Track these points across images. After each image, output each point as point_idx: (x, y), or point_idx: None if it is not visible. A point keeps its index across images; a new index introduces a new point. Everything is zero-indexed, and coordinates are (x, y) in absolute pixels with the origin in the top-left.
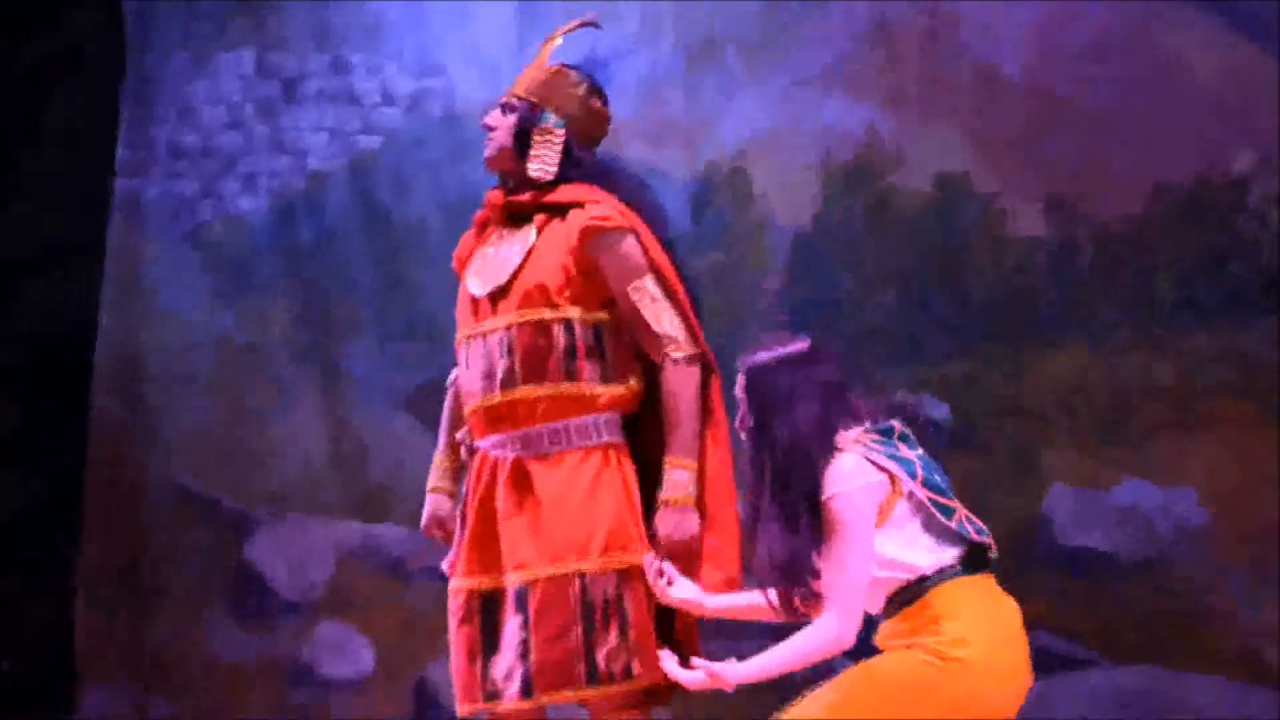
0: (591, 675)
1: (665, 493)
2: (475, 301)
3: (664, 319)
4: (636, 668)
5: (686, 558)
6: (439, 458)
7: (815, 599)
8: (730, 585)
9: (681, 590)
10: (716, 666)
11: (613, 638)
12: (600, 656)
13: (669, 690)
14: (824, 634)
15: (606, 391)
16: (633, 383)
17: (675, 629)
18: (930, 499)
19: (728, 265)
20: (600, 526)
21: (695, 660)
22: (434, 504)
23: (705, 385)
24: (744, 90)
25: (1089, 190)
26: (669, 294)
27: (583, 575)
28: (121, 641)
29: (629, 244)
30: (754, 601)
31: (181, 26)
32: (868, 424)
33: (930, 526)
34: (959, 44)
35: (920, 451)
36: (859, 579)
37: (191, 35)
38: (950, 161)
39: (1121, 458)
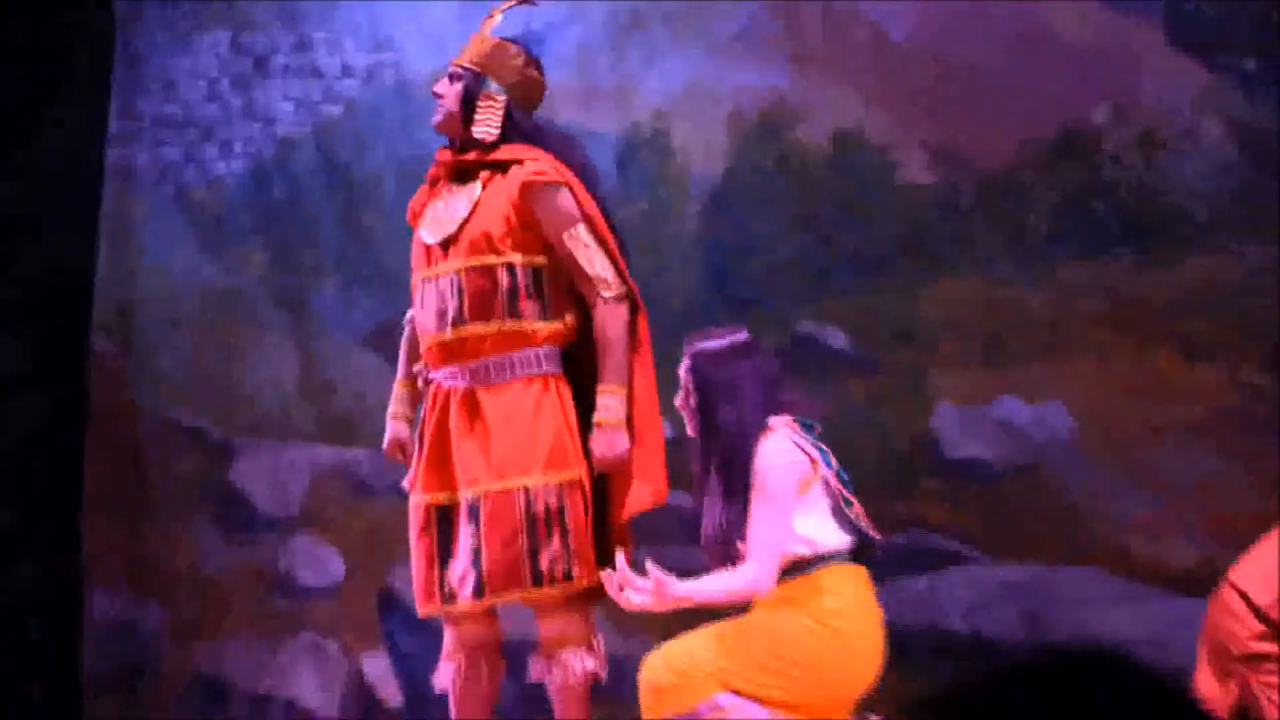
0: (536, 578)
1: (598, 415)
2: (428, 249)
3: (596, 263)
4: (576, 570)
5: (619, 473)
6: (398, 388)
7: (742, 560)
8: (657, 497)
9: (640, 597)
10: (662, 575)
11: (555, 544)
12: (544, 561)
13: (603, 592)
14: (745, 579)
15: (545, 327)
16: (569, 319)
17: (610, 538)
18: (839, 490)
19: (651, 213)
20: (542, 446)
21: (649, 565)
22: (394, 429)
23: (633, 320)
24: (664, 57)
25: (969, 141)
26: (600, 240)
27: (527, 489)
28: (121, 553)
29: (564, 196)
30: (702, 585)
31: (164, 11)
32: (792, 415)
33: (835, 513)
34: (854, 11)
35: (823, 446)
36: (778, 539)
37: (173, 19)
38: (847, 117)
39: (1000, 377)
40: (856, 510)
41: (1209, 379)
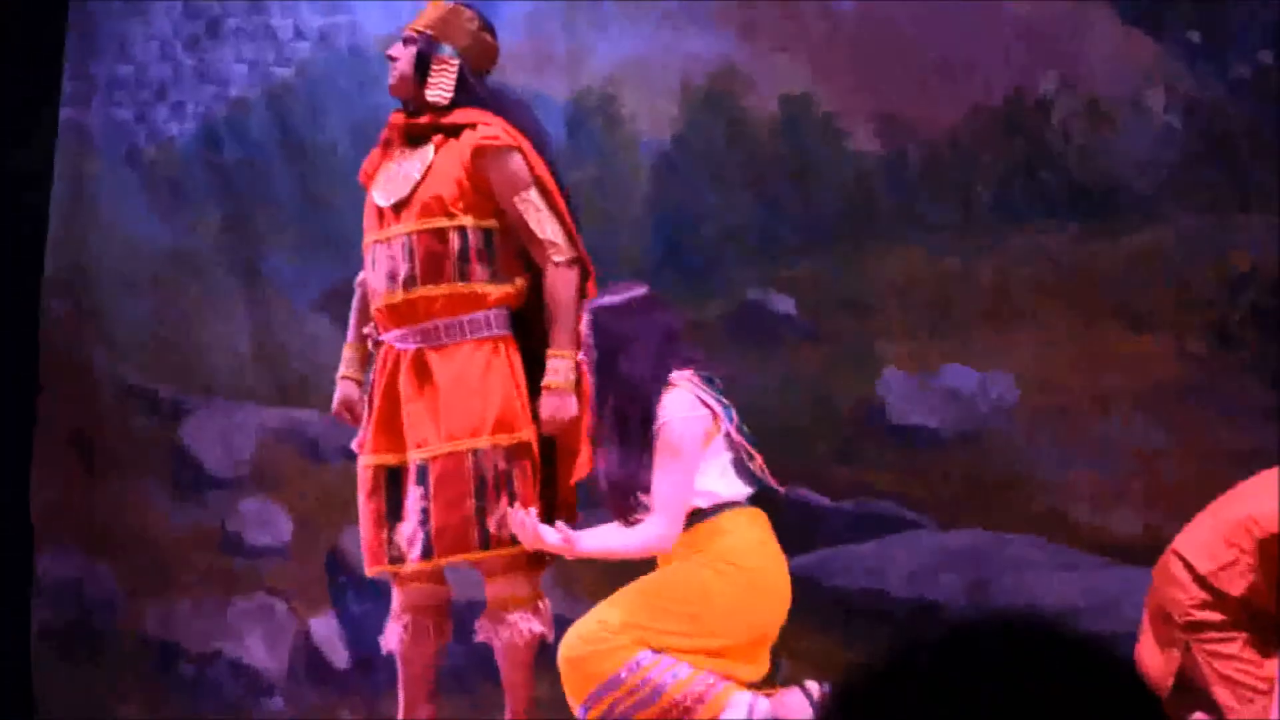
0: (484, 540)
1: (547, 379)
2: (380, 211)
3: (546, 227)
4: None
5: (567, 436)
6: (348, 349)
7: (646, 512)
8: None
9: (550, 535)
10: (570, 532)
11: (502, 507)
12: (491, 523)
13: (551, 555)
14: (650, 535)
15: (496, 290)
16: (519, 282)
17: (556, 503)
18: (740, 443)
19: (601, 179)
20: (491, 409)
21: (558, 524)
22: (344, 390)
23: (583, 284)
24: (615, 24)
25: (915, 109)
26: (551, 205)
27: (476, 451)
28: (71, 512)
29: (515, 161)
30: (609, 540)
31: None
32: (694, 368)
33: (736, 464)
34: None
35: (724, 400)
36: (683, 494)
37: None
38: (795, 86)
39: (945, 345)
40: (759, 462)
41: (1152, 349)
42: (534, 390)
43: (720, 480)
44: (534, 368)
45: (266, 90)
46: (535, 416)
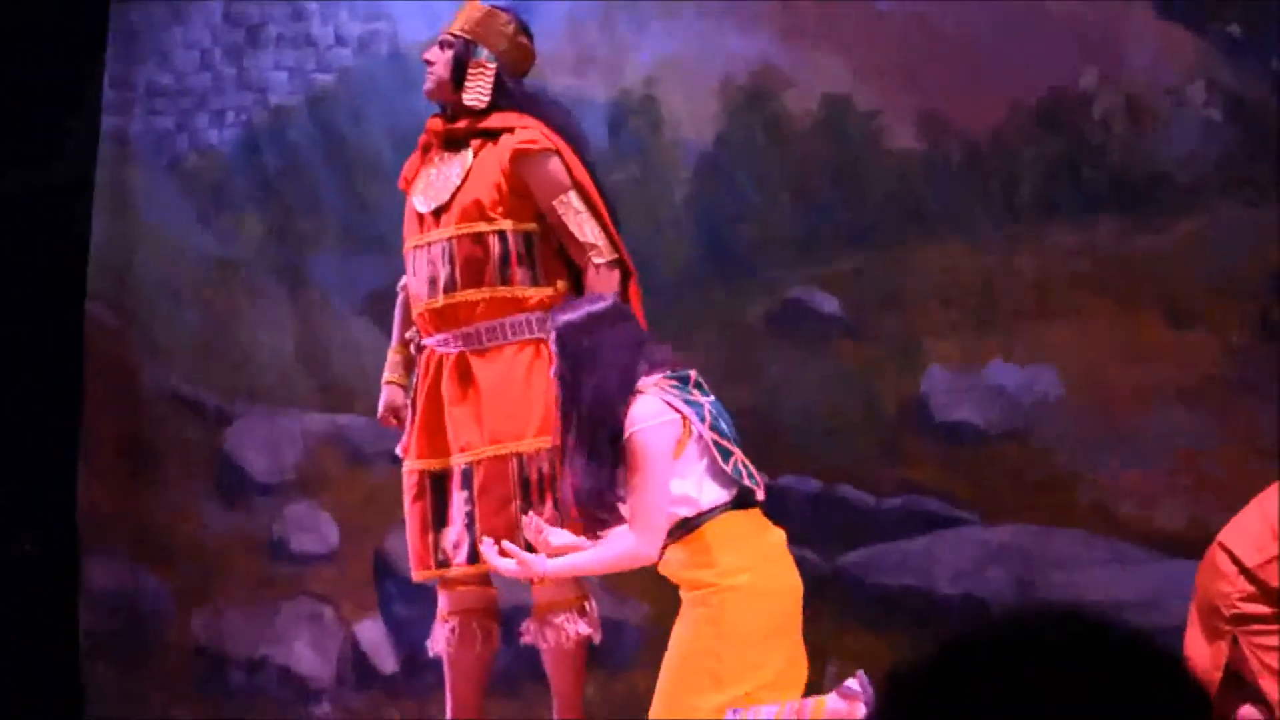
0: (529, 543)
1: None
2: (420, 217)
3: (586, 229)
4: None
5: None
6: (392, 354)
7: (617, 524)
8: None
9: (559, 538)
10: (527, 557)
11: (548, 509)
12: None
13: None
14: (625, 549)
15: (537, 293)
16: (560, 285)
17: None
18: (714, 441)
19: (642, 180)
20: (534, 412)
21: (507, 545)
22: (389, 394)
23: (624, 285)
24: (654, 24)
25: (957, 106)
26: (590, 207)
27: (520, 455)
28: (118, 520)
29: (554, 164)
30: (580, 559)
31: None
32: (667, 371)
33: (711, 468)
34: None
35: (713, 398)
36: (658, 505)
37: None
38: (836, 84)
39: (989, 342)
40: (736, 458)
41: (1196, 342)
42: None
43: (698, 486)
44: None
45: (308, 97)
46: None
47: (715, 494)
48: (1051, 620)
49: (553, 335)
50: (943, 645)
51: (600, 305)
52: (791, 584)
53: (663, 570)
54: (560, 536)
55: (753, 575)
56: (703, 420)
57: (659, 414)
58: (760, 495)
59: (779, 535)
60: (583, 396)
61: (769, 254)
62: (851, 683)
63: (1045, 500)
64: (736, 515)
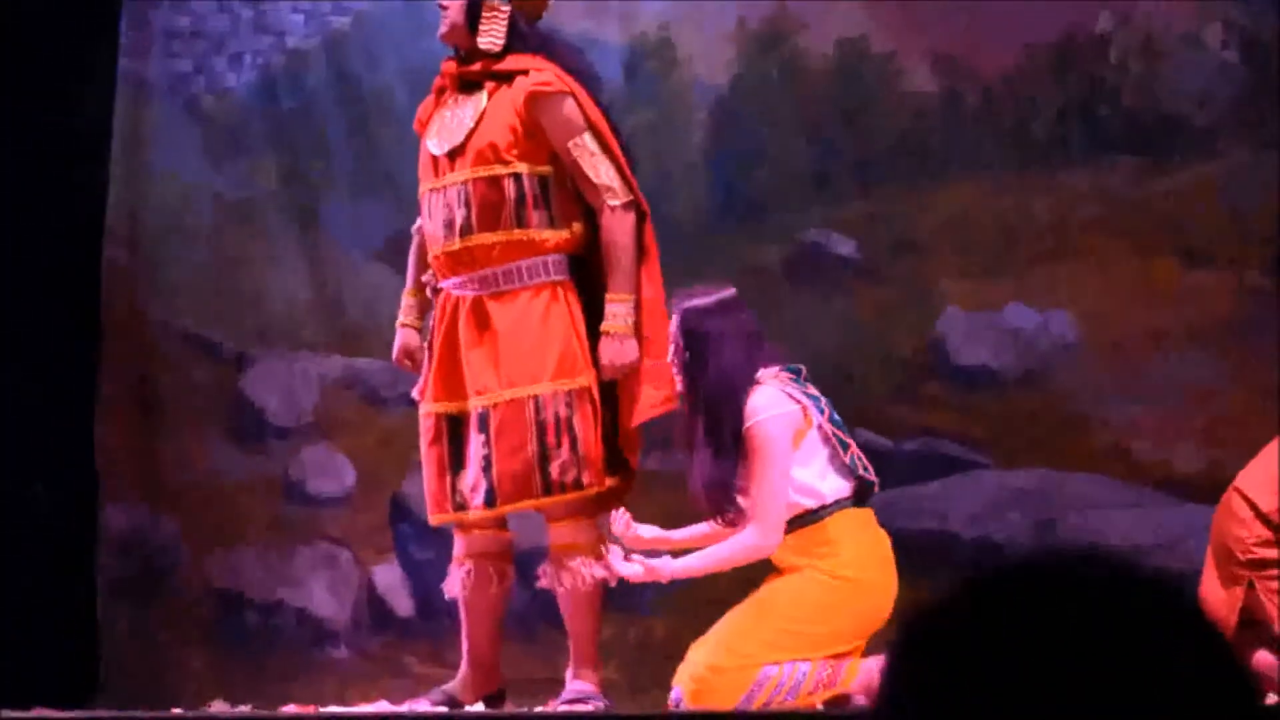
0: (546, 486)
1: (606, 323)
2: (435, 160)
3: (602, 171)
4: (586, 478)
5: (628, 380)
6: (407, 297)
7: (740, 514)
8: (668, 402)
9: (648, 531)
10: (653, 563)
11: (564, 452)
12: (554, 469)
13: (615, 498)
14: (747, 544)
15: (553, 236)
16: (576, 227)
17: (618, 445)
18: (834, 434)
19: (658, 122)
20: (551, 354)
21: (635, 557)
22: (404, 337)
23: (640, 227)
24: None
25: (971, 49)
26: (605, 149)
27: (536, 398)
28: (133, 463)
29: (569, 106)
30: (701, 531)
31: None
32: (780, 365)
33: (833, 459)
34: None
35: (814, 391)
36: (779, 496)
37: None
38: (850, 27)
39: (1004, 284)
40: (853, 451)
41: (1210, 284)
42: (594, 334)
43: (819, 477)
44: (594, 312)
45: (324, 40)
46: (595, 361)
47: (837, 485)
48: (1068, 563)
49: (676, 319)
50: (958, 587)
51: (726, 294)
52: (893, 588)
53: (773, 557)
54: (649, 530)
55: (867, 573)
56: (821, 412)
57: (778, 404)
58: (877, 488)
59: (886, 537)
60: (707, 382)
61: (784, 197)
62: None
63: (1062, 444)
64: (859, 512)
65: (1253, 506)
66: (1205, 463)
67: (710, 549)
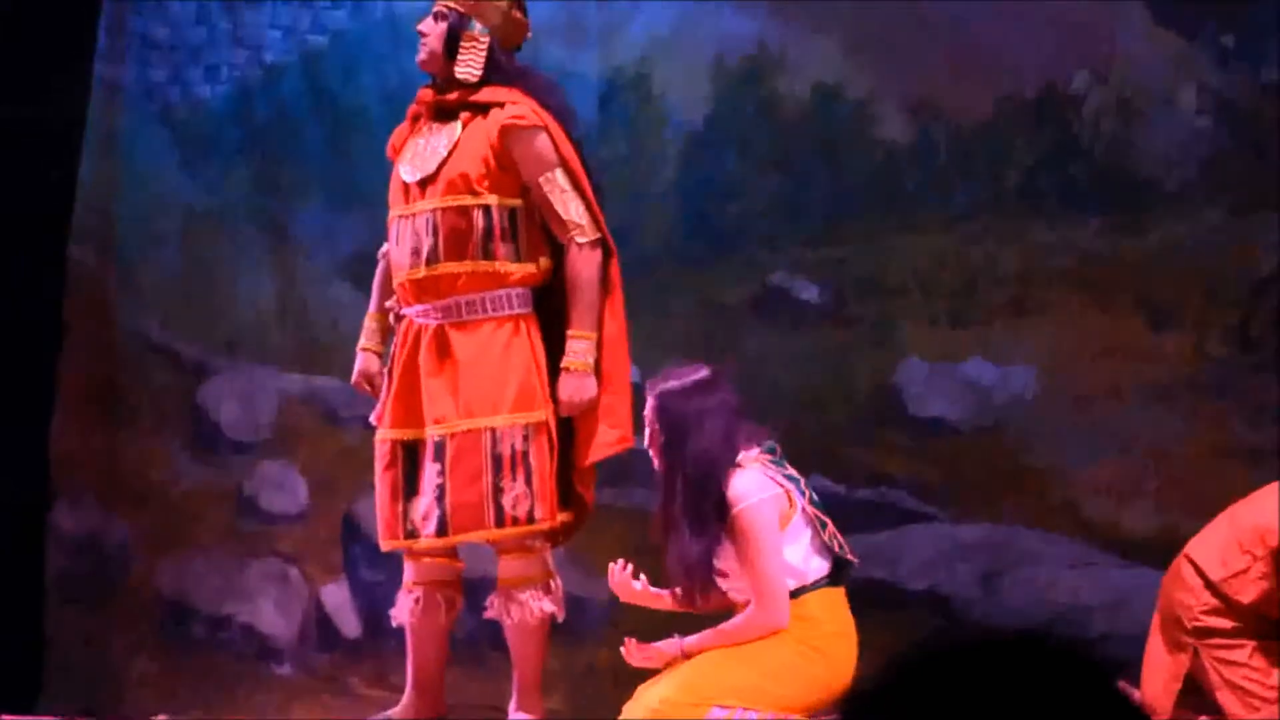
0: (499, 518)
1: (567, 360)
2: (406, 186)
3: (571, 207)
4: (539, 512)
5: (585, 417)
6: (369, 321)
7: (719, 594)
8: (623, 441)
9: (637, 585)
10: (659, 647)
11: (519, 485)
12: (507, 501)
13: (565, 534)
14: (756, 624)
15: (519, 269)
16: (542, 262)
17: (573, 481)
18: (815, 515)
19: (630, 156)
20: (510, 387)
21: (644, 649)
22: (364, 361)
23: (605, 265)
24: (649, 1)
25: (947, 98)
26: (576, 185)
27: (494, 430)
28: (89, 464)
29: (542, 140)
30: (721, 639)
31: None
32: (759, 446)
33: (814, 540)
34: None
35: (793, 473)
36: (776, 575)
37: None
38: (828, 70)
39: (967, 334)
40: (830, 530)
41: (1174, 346)
42: (554, 369)
43: (803, 558)
44: (555, 347)
45: (301, 56)
46: (554, 396)
47: (819, 565)
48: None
49: (652, 404)
50: (900, 664)
51: (701, 374)
52: (852, 670)
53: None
54: (639, 585)
55: (836, 650)
56: (802, 494)
57: (763, 488)
58: (857, 565)
59: (850, 617)
60: (686, 463)
61: (753, 235)
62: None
63: (1015, 498)
64: (834, 592)
65: (1202, 575)
66: (1157, 525)
67: (723, 626)
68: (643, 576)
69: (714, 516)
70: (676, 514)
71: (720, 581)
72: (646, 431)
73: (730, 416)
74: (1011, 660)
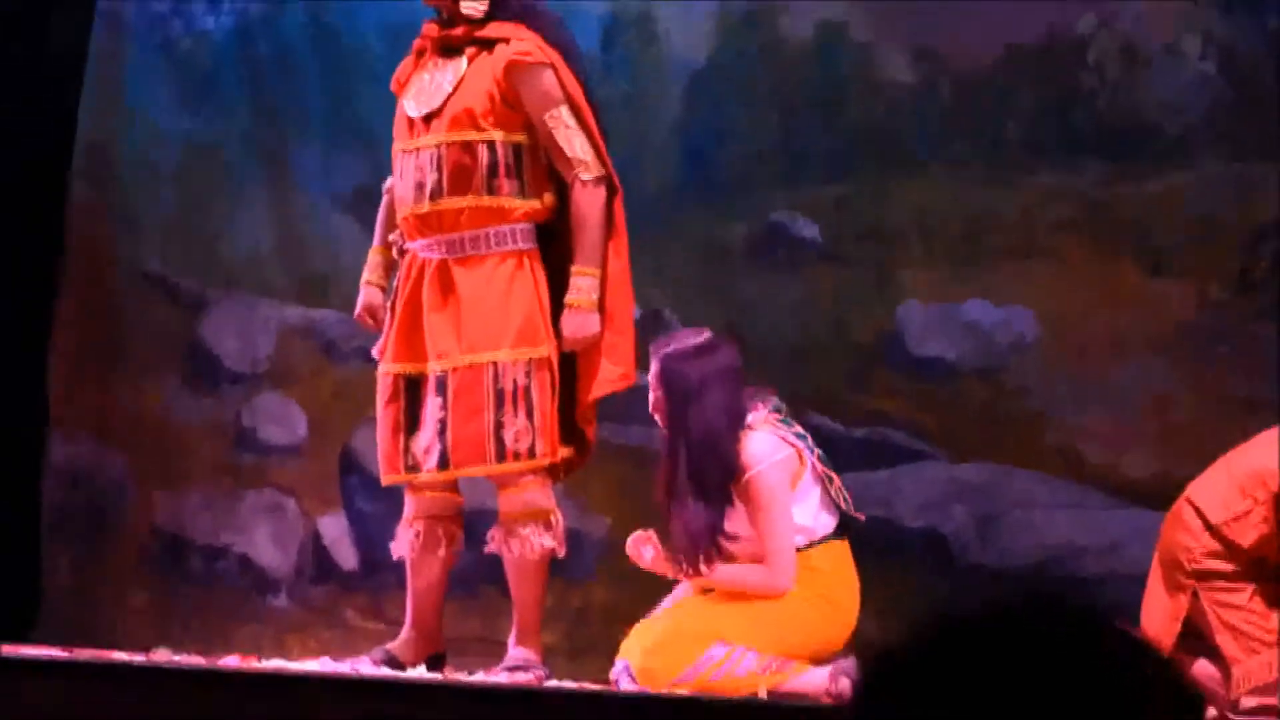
0: (500, 453)
1: (570, 296)
2: (410, 121)
3: (575, 144)
4: (540, 448)
5: (588, 353)
6: (373, 255)
7: (725, 559)
8: (625, 379)
9: (649, 553)
10: (674, 566)
11: (520, 420)
12: (508, 436)
13: (566, 469)
14: (765, 582)
15: (523, 205)
16: (546, 198)
17: (574, 417)
18: (824, 472)
19: (633, 96)
20: (512, 322)
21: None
22: (368, 295)
23: (609, 203)
24: None
25: (951, 43)
26: (581, 122)
27: (496, 364)
28: (85, 397)
29: (548, 77)
30: (732, 578)
31: None
32: (767, 405)
33: (823, 497)
34: None
35: (800, 430)
36: (787, 539)
37: None
38: (832, 12)
39: (968, 279)
40: (837, 485)
41: (1173, 293)
42: (557, 305)
43: (814, 517)
44: (558, 283)
45: None
46: (557, 332)
47: (826, 521)
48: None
49: (655, 368)
50: (922, 635)
51: (702, 338)
52: (853, 622)
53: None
54: (650, 552)
55: (841, 601)
56: (811, 451)
57: (775, 450)
58: (861, 519)
59: (856, 575)
60: (691, 430)
61: (753, 177)
62: (844, 662)
63: (1012, 440)
64: (840, 545)
65: (1202, 518)
66: (1155, 469)
67: (733, 568)
68: (655, 538)
69: (720, 484)
70: (681, 481)
71: (729, 545)
72: (650, 396)
73: (734, 380)
74: (1030, 626)
